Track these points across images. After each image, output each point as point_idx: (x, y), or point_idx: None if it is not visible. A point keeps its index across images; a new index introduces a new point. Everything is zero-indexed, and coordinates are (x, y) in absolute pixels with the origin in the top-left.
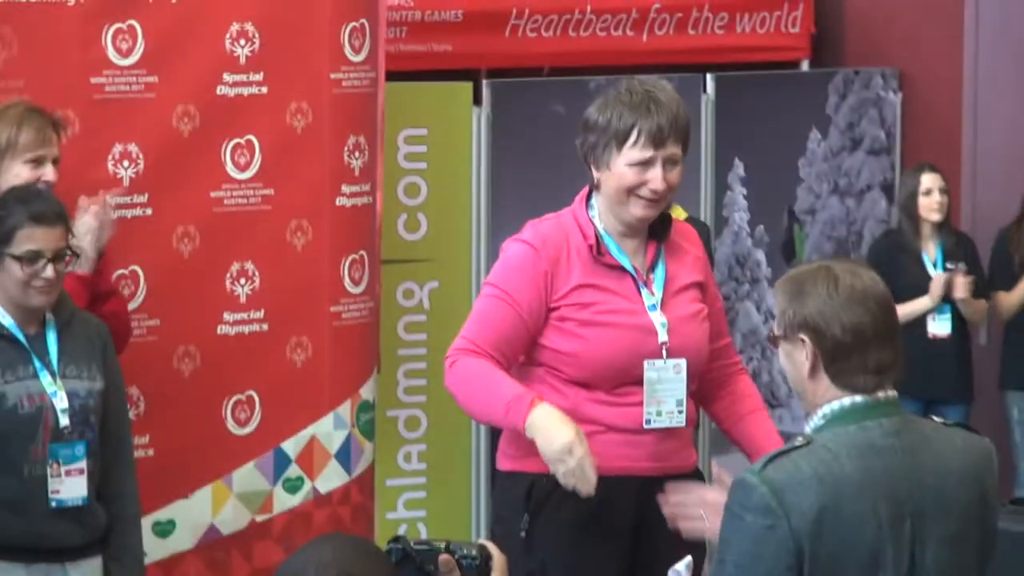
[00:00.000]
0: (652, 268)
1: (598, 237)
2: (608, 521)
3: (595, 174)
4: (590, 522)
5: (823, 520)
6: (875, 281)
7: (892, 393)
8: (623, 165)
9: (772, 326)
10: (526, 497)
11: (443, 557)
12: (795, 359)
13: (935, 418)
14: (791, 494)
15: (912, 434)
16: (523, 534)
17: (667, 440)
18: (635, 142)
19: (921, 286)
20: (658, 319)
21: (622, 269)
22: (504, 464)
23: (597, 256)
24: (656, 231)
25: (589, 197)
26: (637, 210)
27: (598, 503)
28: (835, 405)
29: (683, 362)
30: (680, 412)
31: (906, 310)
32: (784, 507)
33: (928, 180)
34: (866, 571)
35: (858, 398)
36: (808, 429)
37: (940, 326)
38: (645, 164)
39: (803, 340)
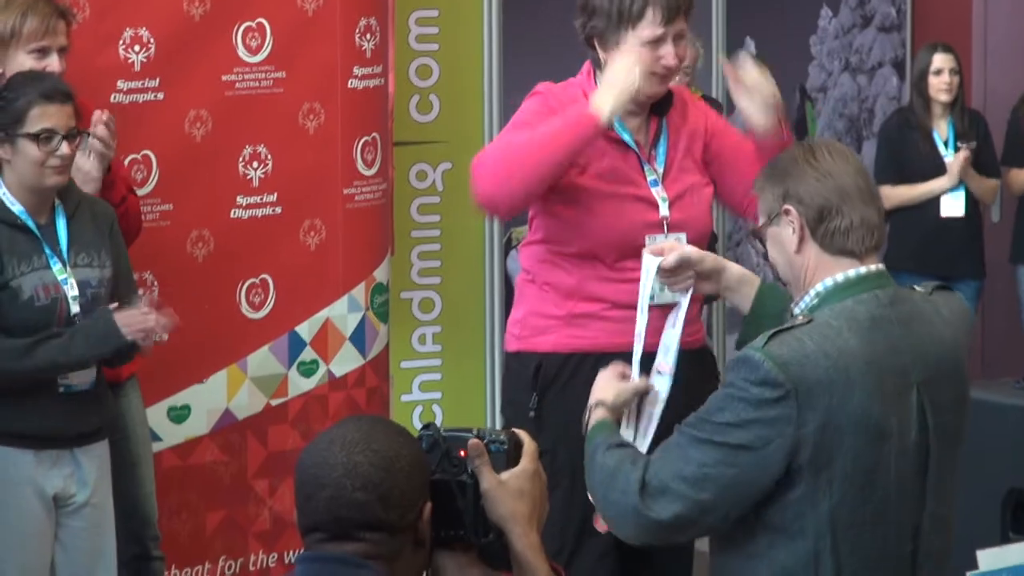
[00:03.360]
0: (655, 144)
1: None
2: None
3: (601, 55)
4: None
5: (832, 394)
6: (850, 151)
7: (880, 266)
8: (635, 45)
9: (751, 226)
10: (534, 376)
11: (472, 441)
12: (783, 239)
13: (916, 287)
14: (797, 368)
15: (904, 304)
16: (532, 414)
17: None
18: (646, 21)
19: (932, 164)
20: (659, 194)
21: (626, 145)
22: (511, 345)
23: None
24: (657, 106)
25: (593, 73)
26: (649, 87)
27: None
28: (828, 282)
29: (683, 236)
30: None
31: (922, 190)
32: (792, 380)
33: (939, 60)
34: (872, 443)
35: (851, 272)
36: (797, 310)
37: (953, 206)
38: (657, 42)
39: (787, 211)
